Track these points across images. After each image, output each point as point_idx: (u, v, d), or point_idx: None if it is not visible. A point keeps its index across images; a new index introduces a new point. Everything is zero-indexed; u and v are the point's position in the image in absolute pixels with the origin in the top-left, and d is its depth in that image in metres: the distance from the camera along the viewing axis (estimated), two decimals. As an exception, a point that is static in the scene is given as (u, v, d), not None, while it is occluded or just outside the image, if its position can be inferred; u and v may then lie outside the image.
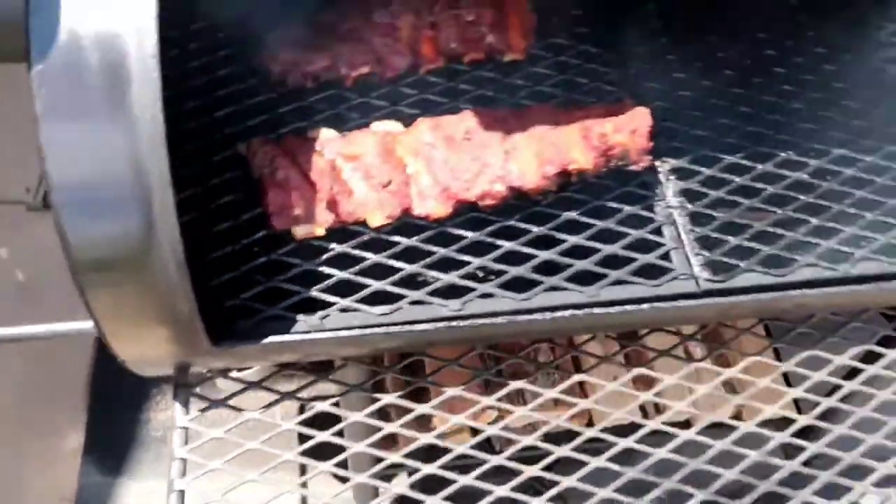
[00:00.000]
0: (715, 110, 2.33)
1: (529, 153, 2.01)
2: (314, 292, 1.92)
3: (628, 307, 1.97)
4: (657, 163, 2.20)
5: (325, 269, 1.96)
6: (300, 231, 1.96)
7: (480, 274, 2.02)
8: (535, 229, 2.05)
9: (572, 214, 2.08)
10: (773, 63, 2.45)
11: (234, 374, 2.03)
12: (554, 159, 1.99)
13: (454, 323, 1.91)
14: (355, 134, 2.07)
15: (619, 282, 2.00)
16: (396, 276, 1.96)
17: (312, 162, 2.00)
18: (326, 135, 2.09)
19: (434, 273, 1.97)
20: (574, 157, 2.00)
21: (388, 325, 1.89)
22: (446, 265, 2.00)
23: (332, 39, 2.20)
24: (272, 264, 1.96)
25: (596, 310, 1.96)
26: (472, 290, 1.96)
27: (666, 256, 2.08)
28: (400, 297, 1.93)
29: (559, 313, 1.94)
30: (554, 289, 1.98)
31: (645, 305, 1.97)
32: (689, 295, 2.02)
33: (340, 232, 2.01)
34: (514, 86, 2.33)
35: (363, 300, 1.92)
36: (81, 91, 1.32)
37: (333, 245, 1.99)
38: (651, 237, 2.09)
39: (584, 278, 2.01)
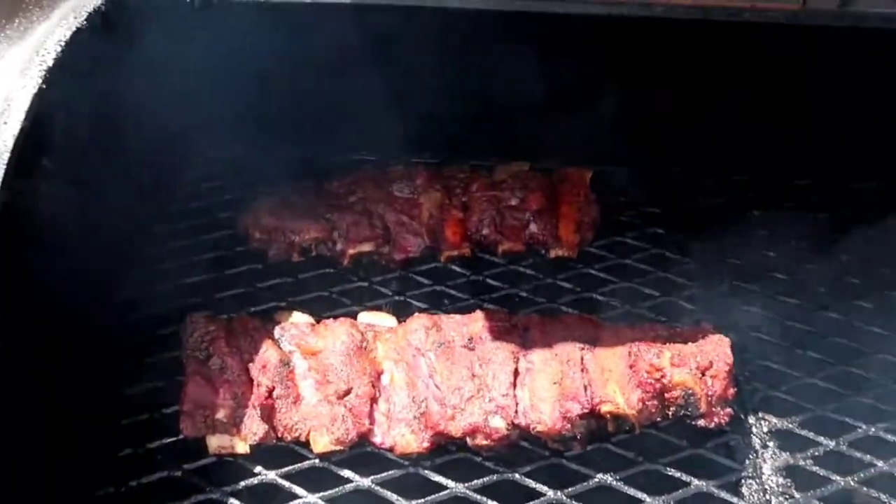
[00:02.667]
0: (845, 353, 1.63)
1: (547, 380, 1.41)
2: (208, 538, 1.34)
3: None
4: (750, 419, 1.51)
5: (235, 504, 1.39)
6: (215, 442, 1.43)
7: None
8: (549, 493, 1.39)
9: (607, 479, 1.41)
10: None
11: None
12: (580, 393, 1.37)
13: None
14: (329, 324, 1.59)
15: None
16: (331, 533, 1.35)
17: (261, 353, 1.52)
18: (296, 319, 1.62)
19: (386, 538, 1.34)
20: (610, 395, 1.37)
21: None
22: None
23: (332, 209, 1.81)
24: (168, 484, 1.42)
25: None
26: (435, 576, 1.29)
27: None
28: (327, 567, 1.30)
29: None
30: None
31: None
32: None
33: (275, 452, 1.46)
34: (556, 288, 1.79)
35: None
36: None
37: (258, 469, 1.44)
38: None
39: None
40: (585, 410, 1.36)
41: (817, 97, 1.85)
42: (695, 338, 1.46)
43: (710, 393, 1.36)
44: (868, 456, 1.46)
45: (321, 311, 1.71)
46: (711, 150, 2.00)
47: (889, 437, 1.49)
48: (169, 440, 1.47)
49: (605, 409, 1.35)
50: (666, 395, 1.37)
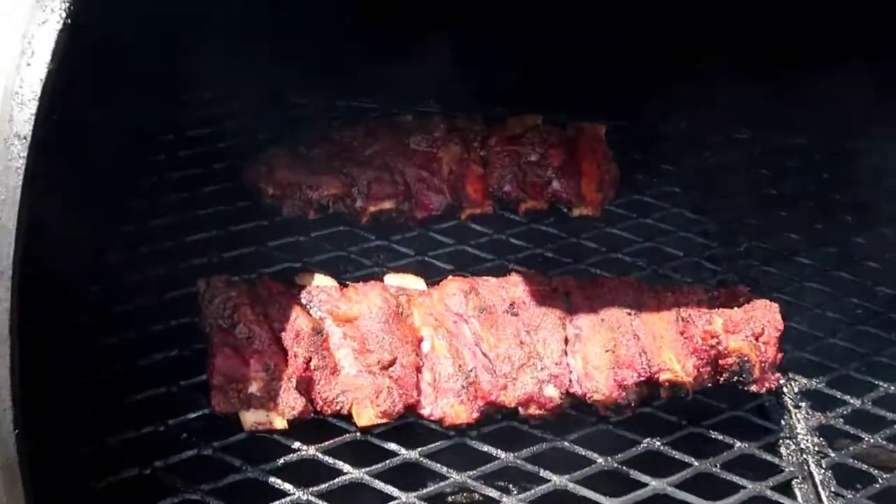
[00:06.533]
0: (866, 315, 1.68)
1: (599, 346, 1.38)
2: (249, 520, 1.25)
3: None
4: (781, 381, 1.53)
5: (275, 483, 1.30)
6: (250, 418, 1.33)
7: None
8: (599, 460, 1.37)
9: (655, 444, 1.40)
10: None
11: None
12: (636, 361, 1.35)
13: None
14: (358, 288, 1.49)
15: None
16: (381, 509, 1.28)
17: (291, 320, 1.40)
18: (320, 283, 1.51)
19: (439, 511, 1.29)
20: (666, 363, 1.35)
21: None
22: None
23: (350, 163, 1.68)
24: (201, 463, 1.31)
25: None
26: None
27: (798, 530, 1.36)
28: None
29: None
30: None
31: None
32: None
33: (311, 426, 1.37)
34: (582, 248, 1.75)
35: (322, 543, 1.24)
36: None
37: (297, 445, 1.35)
38: (775, 497, 1.38)
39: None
40: (642, 378, 1.34)
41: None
42: (736, 301, 1.46)
43: (763, 359, 1.36)
44: (891, 414, 1.51)
45: (340, 271, 1.62)
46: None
47: (908, 393, 1.55)
48: (193, 415, 1.36)
49: (663, 377, 1.34)
50: (720, 362, 1.36)
